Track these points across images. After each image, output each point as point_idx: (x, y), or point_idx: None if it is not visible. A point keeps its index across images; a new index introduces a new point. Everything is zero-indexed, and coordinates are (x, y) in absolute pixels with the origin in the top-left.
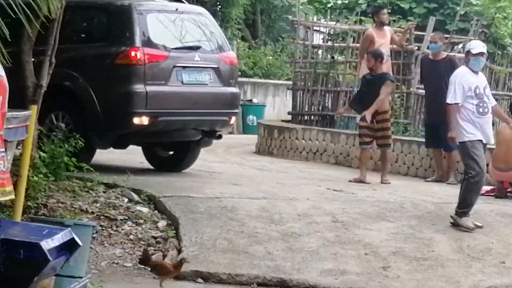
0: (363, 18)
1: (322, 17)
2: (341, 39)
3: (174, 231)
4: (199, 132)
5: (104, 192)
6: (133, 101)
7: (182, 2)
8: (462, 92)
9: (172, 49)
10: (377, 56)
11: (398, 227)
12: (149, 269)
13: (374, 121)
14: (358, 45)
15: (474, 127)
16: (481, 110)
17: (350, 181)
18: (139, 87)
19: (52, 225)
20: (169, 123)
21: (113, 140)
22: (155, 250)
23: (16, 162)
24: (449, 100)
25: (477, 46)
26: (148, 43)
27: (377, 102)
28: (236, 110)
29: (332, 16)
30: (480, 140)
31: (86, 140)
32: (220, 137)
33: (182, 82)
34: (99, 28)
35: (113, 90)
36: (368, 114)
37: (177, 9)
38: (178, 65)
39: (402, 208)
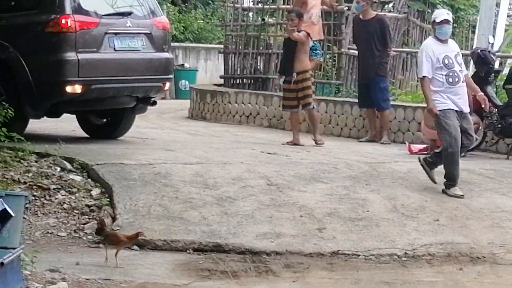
0: None
1: None
2: (271, 1)
3: (108, 199)
4: (133, 99)
5: (36, 161)
6: (65, 70)
7: None
8: (431, 64)
9: (103, 15)
10: (301, 16)
11: (332, 188)
12: (102, 238)
13: (293, 81)
14: (288, 6)
15: (444, 97)
16: (451, 80)
17: (283, 144)
18: (70, 55)
19: None
20: (103, 91)
21: (46, 110)
22: (89, 218)
23: None
24: (419, 74)
25: (441, 14)
26: (78, 10)
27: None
28: (170, 76)
29: None
30: (451, 109)
31: (18, 110)
32: (154, 103)
33: (114, 49)
34: None
35: (45, 59)
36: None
37: None
38: (109, 31)
39: (336, 169)
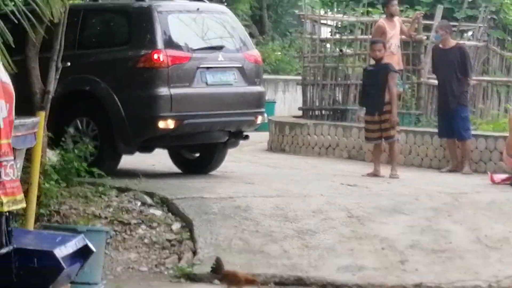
0: (370, 9)
1: (329, 10)
2: (349, 31)
3: (189, 233)
4: (225, 134)
5: (116, 196)
6: (157, 105)
7: (203, 1)
8: None
9: (195, 50)
10: (385, 45)
11: (414, 219)
12: (220, 277)
13: (377, 113)
14: (366, 37)
15: None
16: None
17: (364, 175)
18: (163, 90)
19: (65, 232)
20: (195, 126)
21: (139, 145)
22: (170, 253)
23: (27, 169)
24: None
25: None
26: (170, 44)
27: (394, 100)
28: (262, 110)
29: (339, 9)
30: None
31: (111, 146)
32: (247, 137)
33: (206, 83)
34: (120, 32)
35: (137, 94)
36: (394, 115)
37: (198, 9)
38: (201, 66)
39: (417, 200)
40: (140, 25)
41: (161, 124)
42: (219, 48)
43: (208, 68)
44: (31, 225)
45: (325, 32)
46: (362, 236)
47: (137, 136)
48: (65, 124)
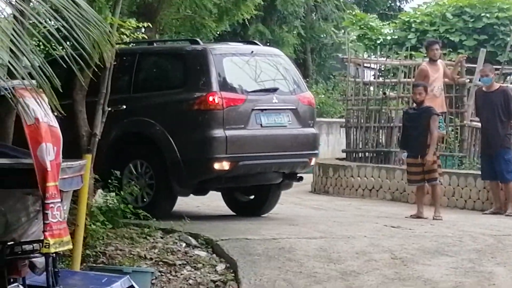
0: (413, 52)
1: (372, 54)
2: (392, 74)
3: (233, 274)
4: (280, 175)
5: (161, 237)
6: (213, 147)
7: (257, 44)
8: None
9: (249, 92)
10: (426, 89)
11: (457, 261)
12: None
13: (420, 156)
14: (409, 80)
15: None
16: None
17: (407, 217)
18: (218, 132)
19: (111, 273)
20: (250, 167)
21: (194, 187)
22: None
23: (73, 211)
24: None
25: None
26: (225, 87)
27: (433, 142)
28: (316, 151)
29: (382, 52)
30: None
31: (167, 188)
32: (301, 179)
33: (261, 125)
34: (175, 74)
35: (193, 136)
36: (430, 156)
37: (252, 52)
38: (256, 108)
39: (461, 242)
40: (196, 67)
41: (217, 166)
42: (273, 90)
43: (262, 110)
44: (77, 266)
45: (369, 75)
46: (405, 278)
47: (192, 178)
48: (121, 167)
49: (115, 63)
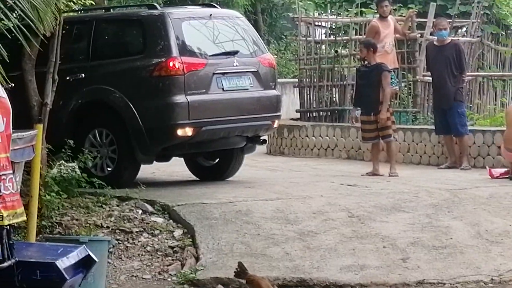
0: (363, 9)
1: (322, 12)
2: (343, 32)
3: (191, 239)
4: (243, 139)
5: (117, 205)
6: (175, 113)
7: (215, 6)
8: None
9: (210, 56)
10: (370, 46)
11: (414, 217)
12: (244, 282)
13: (373, 113)
14: (360, 37)
15: None
16: None
17: (363, 175)
18: (180, 98)
19: (67, 243)
20: (213, 132)
21: (157, 154)
22: (173, 259)
23: (27, 182)
24: None
25: None
26: (185, 52)
27: (385, 99)
28: (279, 113)
29: (333, 10)
30: None
31: (130, 156)
32: (264, 142)
33: (223, 89)
34: (134, 41)
35: (154, 103)
36: (383, 113)
37: (211, 15)
38: (217, 72)
39: (417, 197)
40: (154, 33)
41: (179, 132)
42: (233, 53)
43: (224, 73)
44: (33, 237)
45: (320, 34)
46: (363, 236)
47: (155, 145)
48: (81, 136)
49: (70, 31)
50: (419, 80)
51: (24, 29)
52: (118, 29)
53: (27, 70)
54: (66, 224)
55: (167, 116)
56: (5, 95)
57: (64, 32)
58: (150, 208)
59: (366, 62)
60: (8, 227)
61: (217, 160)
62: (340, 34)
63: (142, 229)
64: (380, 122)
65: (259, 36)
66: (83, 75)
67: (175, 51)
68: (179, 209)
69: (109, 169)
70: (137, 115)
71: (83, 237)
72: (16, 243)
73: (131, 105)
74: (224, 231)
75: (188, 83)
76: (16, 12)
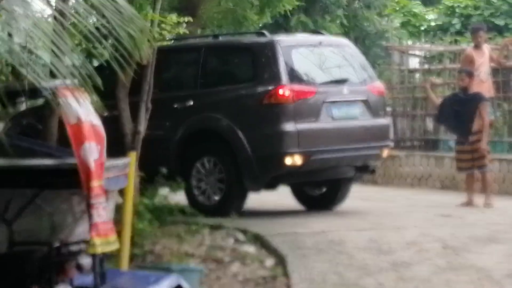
0: (458, 38)
1: (416, 41)
2: (437, 61)
3: (283, 269)
4: (352, 168)
5: (209, 234)
6: (284, 141)
7: (322, 34)
8: None
9: (319, 84)
10: (471, 75)
11: (510, 248)
12: None
13: (467, 143)
14: (454, 66)
15: None
16: None
17: (457, 205)
18: (290, 126)
19: (159, 272)
20: (323, 161)
21: (266, 182)
22: None
23: (120, 210)
24: None
25: None
26: (295, 79)
27: (485, 129)
28: (388, 142)
29: (427, 39)
30: None
31: (238, 185)
32: (373, 171)
33: (332, 117)
34: (244, 68)
35: (263, 131)
36: (483, 144)
37: (320, 42)
38: (327, 100)
39: None
40: (264, 60)
41: (288, 161)
42: (343, 81)
43: (333, 102)
44: (125, 265)
45: (413, 63)
46: (457, 267)
47: (264, 174)
48: (189, 164)
49: (178, 58)
50: None
51: (119, 58)
52: (228, 56)
53: (121, 98)
54: (158, 252)
55: (277, 145)
56: (99, 123)
57: (172, 59)
58: (242, 237)
59: (465, 90)
60: (100, 255)
61: (324, 189)
62: (434, 63)
63: (233, 258)
64: (479, 151)
65: (368, 64)
66: (192, 103)
67: (284, 78)
68: (271, 238)
69: (216, 198)
70: (246, 143)
71: (175, 266)
72: (109, 271)
73: (240, 133)
74: (316, 261)
75: (297, 111)
76: (110, 40)
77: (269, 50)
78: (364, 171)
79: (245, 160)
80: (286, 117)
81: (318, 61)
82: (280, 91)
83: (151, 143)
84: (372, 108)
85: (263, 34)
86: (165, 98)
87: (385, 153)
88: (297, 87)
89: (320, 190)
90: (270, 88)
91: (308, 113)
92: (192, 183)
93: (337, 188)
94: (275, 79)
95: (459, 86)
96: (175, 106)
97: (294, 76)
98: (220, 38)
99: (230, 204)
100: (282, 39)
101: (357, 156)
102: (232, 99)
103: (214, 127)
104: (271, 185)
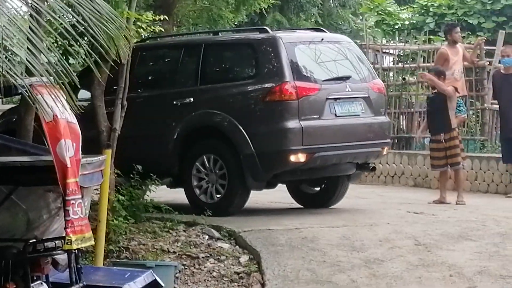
0: (432, 37)
1: (390, 39)
2: (411, 59)
3: (257, 265)
4: (353, 166)
5: (184, 231)
6: (289, 138)
7: (323, 31)
8: None
9: (323, 80)
10: (440, 73)
11: (481, 245)
12: None
13: (443, 140)
14: (428, 64)
15: None
16: None
17: (430, 202)
18: (294, 123)
19: (135, 268)
20: (326, 159)
21: (268, 180)
22: (238, 285)
23: (95, 207)
24: None
25: None
26: (299, 76)
27: (452, 116)
28: (388, 140)
29: (401, 37)
30: None
31: (240, 182)
32: (374, 169)
33: (335, 114)
34: (245, 65)
35: (267, 128)
36: (453, 122)
37: (322, 39)
38: (330, 97)
39: (484, 226)
40: (267, 57)
41: (293, 158)
42: (346, 78)
43: (336, 99)
44: (100, 262)
45: (388, 61)
46: (429, 264)
47: (267, 171)
48: (190, 162)
49: (177, 55)
50: (487, 108)
51: (94, 55)
52: (229, 52)
53: (97, 96)
54: (133, 249)
55: (281, 142)
56: (75, 120)
57: (171, 55)
58: (216, 234)
59: (435, 90)
60: (76, 251)
61: (320, 187)
62: (408, 61)
63: (208, 255)
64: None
65: (369, 62)
66: (192, 99)
67: (288, 75)
68: (245, 235)
69: (218, 196)
70: (249, 140)
71: (150, 262)
72: (84, 267)
73: (243, 130)
74: (290, 258)
75: (302, 108)
76: (86, 38)
77: (272, 46)
78: (364, 168)
79: (247, 157)
80: (290, 114)
81: (320, 58)
82: (284, 88)
83: (149, 140)
84: (373, 105)
85: (265, 30)
86: (164, 95)
87: (385, 150)
88: (300, 83)
89: (317, 188)
90: (273, 84)
91: (312, 110)
92: (192, 181)
93: (335, 186)
94: (279, 75)
95: (429, 85)
96: (175, 102)
97: (297, 73)
98: (220, 35)
99: (232, 202)
100: (284, 35)
101: (359, 154)
102: (234, 95)
103: (215, 124)
104: (270, 183)
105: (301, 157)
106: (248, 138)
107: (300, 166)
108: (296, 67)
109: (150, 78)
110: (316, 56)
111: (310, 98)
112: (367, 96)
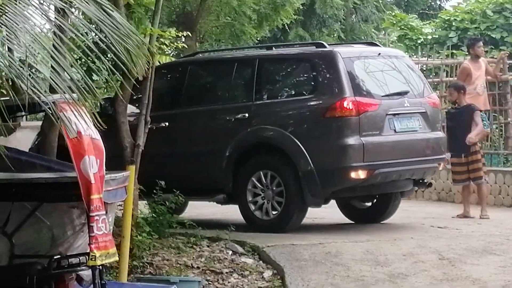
0: (454, 51)
1: (413, 54)
2: (434, 74)
3: (280, 281)
4: (411, 182)
5: (208, 246)
6: (350, 155)
7: (377, 45)
8: None
9: (382, 96)
10: (460, 89)
11: (505, 260)
12: None
13: (463, 155)
14: (451, 79)
15: None
16: None
17: (454, 217)
18: (355, 140)
19: (159, 283)
20: (386, 175)
21: (327, 197)
22: None
23: (119, 222)
24: None
25: None
26: (358, 92)
27: (477, 131)
28: (443, 156)
29: (423, 52)
30: None
31: (299, 199)
32: (430, 185)
33: (394, 130)
34: (303, 80)
35: (327, 145)
36: (473, 138)
37: (379, 54)
38: (389, 112)
39: (508, 240)
40: (326, 72)
41: (353, 175)
42: (404, 93)
43: (395, 114)
44: (124, 277)
45: None
46: (453, 278)
47: (327, 188)
48: (245, 177)
49: (229, 70)
50: (510, 122)
51: (117, 72)
52: (285, 67)
53: (120, 112)
54: (157, 264)
55: (341, 158)
56: (98, 137)
57: (223, 70)
58: (240, 249)
59: (456, 105)
60: (100, 267)
61: (371, 203)
62: (430, 76)
63: (232, 270)
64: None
65: (424, 77)
66: (246, 115)
67: (348, 91)
68: (269, 250)
69: (274, 212)
70: (308, 156)
71: (174, 278)
72: (108, 283)
73: (302, 146)
74: (313, 273)
75: (362, 124)
76: (109, 55)
77: (331, 62)
78: (421, 185)
79: (306, 174)
80: (351, 130)
81: (378, 73)
82: (345, 104)
83: (202, 156)
84: (430, 120)
85: (322, 45)
86: (217, 110)
87: (441, 166)
88: (361, 99)
89: (368, 203)
90: (334, 100)
91: (372, 126)
92: (247, 196)
93: (388, 202)
94: (338, 91)
95: (449, 100)
96: (228, 118)
97: (357, 88)
98: (274, 49)
99: (289, 219)
100: (343, 50)
101: (417, 170)
102: (291, 111)
103: (272, 140)
104: (326, 199)
105: (362, 174)
106: (307, 154)
107: (360, 183)
108: (355, 82)
109: (201, 93)
110: (374, 71)
111: (371, 114)
112: (424, 111)
